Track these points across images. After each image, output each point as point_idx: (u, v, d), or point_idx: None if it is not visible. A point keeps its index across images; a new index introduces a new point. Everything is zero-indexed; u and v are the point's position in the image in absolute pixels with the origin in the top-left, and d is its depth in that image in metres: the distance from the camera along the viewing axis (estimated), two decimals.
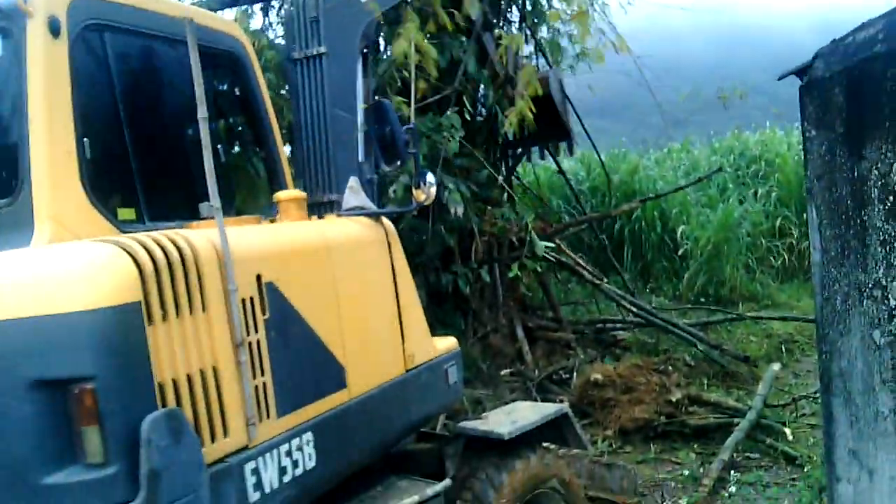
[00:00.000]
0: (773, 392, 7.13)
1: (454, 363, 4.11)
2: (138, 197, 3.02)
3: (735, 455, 5.93)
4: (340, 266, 3.30)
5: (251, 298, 2.73)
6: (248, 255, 2.78)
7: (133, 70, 3.22)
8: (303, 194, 3.54)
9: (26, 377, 2.17)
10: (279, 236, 3.14)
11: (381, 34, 6.68)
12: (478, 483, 3.95)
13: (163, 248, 2.44)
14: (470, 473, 4.01)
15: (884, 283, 1.94)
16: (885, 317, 1.94)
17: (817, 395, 7.20)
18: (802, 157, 2.35)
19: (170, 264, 2.43)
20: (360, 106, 4.09)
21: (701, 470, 5.86)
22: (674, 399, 6.61)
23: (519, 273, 7.29)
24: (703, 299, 10.60)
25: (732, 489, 5.49)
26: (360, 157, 4.04)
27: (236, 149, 4.19)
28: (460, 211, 6.67)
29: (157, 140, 3.34)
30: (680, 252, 11.41)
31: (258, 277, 2.78)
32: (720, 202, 11.91)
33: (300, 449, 2.85)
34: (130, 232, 2.83)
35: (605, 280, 9.48)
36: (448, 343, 4.19)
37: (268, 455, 2.68)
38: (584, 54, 6.98)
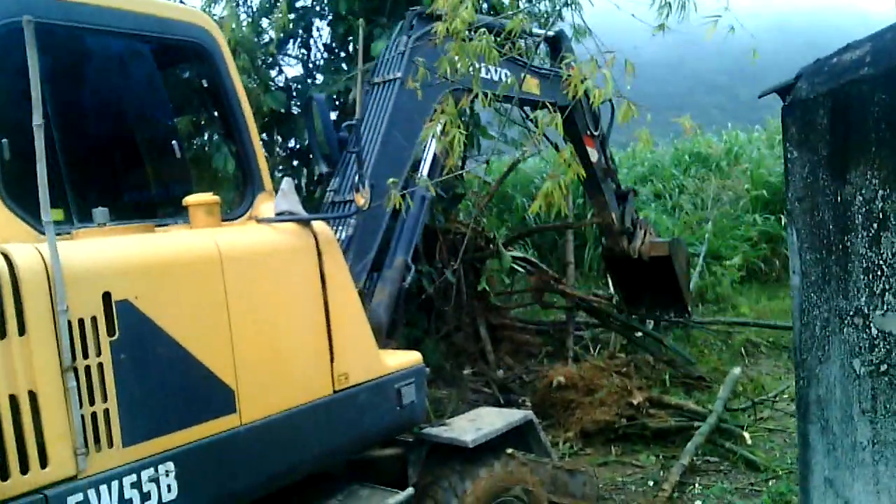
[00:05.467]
0: (732, 396, 7.20)
1: (412, 381, 3.80)
2: (66, 197, 2.84)
3: (695, 459, 5.96)
4: (236, 279, 3.02)
5: (93, 318, 2.55)
6: (95, 270, 2.59)
7: (58, 65, 2.99)
8: (214, 198, 3.20)
9: None
10: (145, 249, 2.84)
11: None
12: (441, 491, 3.88)
13: None
14: (433, 481, 3.94)
15: (866, 311, 1.91)
16: (867, 346, 1.91)
17: (776, 398, 7.34)
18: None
19: None
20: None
21: (661, 473, 5.88)
22: (635, 402, 6.62)
23: (487, 286, 7.20)
24: None
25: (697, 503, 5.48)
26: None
27: (202, 145, 4.05)
28: None
29: (86, 137, 3.14)
30: None
31: (106, 295, 2.59)
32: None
33: (154, 480, 2.67)
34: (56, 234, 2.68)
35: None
36: (407, 358, 3.87)
37: (103, 487, 2.53)
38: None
